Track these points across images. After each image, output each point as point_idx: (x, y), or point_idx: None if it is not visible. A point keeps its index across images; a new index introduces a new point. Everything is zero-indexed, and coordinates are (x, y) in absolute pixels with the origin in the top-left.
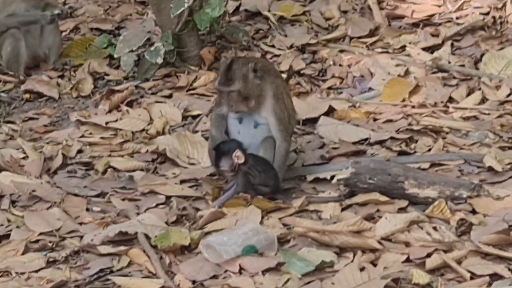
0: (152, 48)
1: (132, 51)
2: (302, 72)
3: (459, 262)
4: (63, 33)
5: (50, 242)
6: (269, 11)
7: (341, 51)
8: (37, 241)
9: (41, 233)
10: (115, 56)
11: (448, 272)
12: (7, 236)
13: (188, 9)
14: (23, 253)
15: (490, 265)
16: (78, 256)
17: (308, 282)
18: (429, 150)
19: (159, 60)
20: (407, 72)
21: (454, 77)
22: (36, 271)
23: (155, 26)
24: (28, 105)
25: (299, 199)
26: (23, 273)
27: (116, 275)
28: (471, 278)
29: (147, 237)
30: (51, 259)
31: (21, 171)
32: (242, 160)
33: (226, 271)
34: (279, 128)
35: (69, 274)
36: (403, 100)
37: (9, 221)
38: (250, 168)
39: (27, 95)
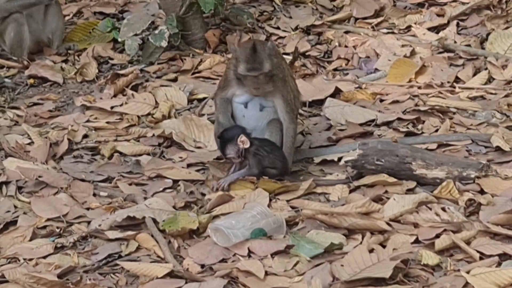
0: (156, 32)
1: (136, 34)
2: (307, 53)
3: (468, 242)
4: (66, 18)
5: (57, 228)
6: None
7: (346, 32)
8: (44, 227)
9: (48, 219)
10: (119, 40)
11: (457, 253)
12: (14, 222)
13: None
14: (31, 239)
15: (499, 245)
16: (86, 241)
17: (318, 265)
18: (436, 130)
19: (164, 44)
20: (413, 53)
21: (460, 57)
22: (44, 257)
23: (159, 9)
24: (32, 90)
25: (307, 181)
26: (31, 259)
27: (124, 260)
28: (481, 258)
29: (154, 221)
30: (59, 245)
31: (27, 156)
32: (247, 145)
33: (234, 254)
34: (287, 110)
35: (77, 259)
36: (409, 81)
37: (15, 207)
38: (257, 149)
39: (31, 80)
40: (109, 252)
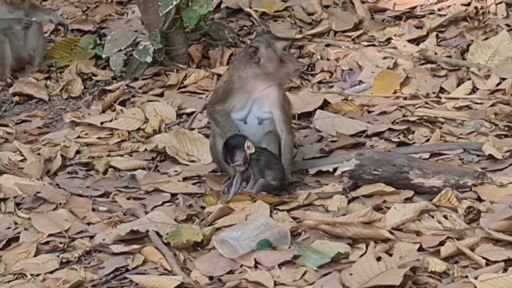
0: (140, 47)
1: (120, 50)
2: None
3: (472, 249)
4: (44, 35)
5: (60, 243)
6: (250, 7)
7: (327, 45)
8: (47, 242)
9: (50, 235)
10: (103, 56)
11: (462, 259)
12: (16, 238)
13: (175, 7)
14: (35, 255)
15: (503, 251)
16: (91, 256)
17: (326, 274)
18: (427, 140)
19: (148, 59)
20: (395, 64)
21: (443, 68)
22: (51, 272)
23: (141, 25)
24: (18, 108)
25: (304, 193)
26: (38, 275)
27: (133, 273)
28: (486, 264)
29: (158, 234)
30: (64, 260)
31: (22, 173)
32: (253, 150)
33: (241, 266)
34: (285, 121)
35: (84, 274)
36: (395, 92)
37: (16, 223)
38: (259, 156)
39: (17, 98)
40: (115, 266)
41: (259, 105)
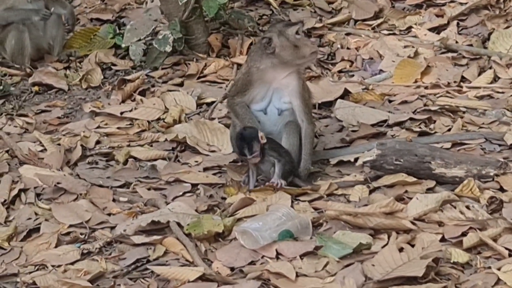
0: (160, 37)
1: (139, 40)
2: None
3: (494, 239)
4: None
5: (81, 234)
6: None
7: (348, 34)
8: (68, 233)
9: (71, 225)
10: (123, 45)
11: (484, 250)
12: (37, 229)
13: None
14: (56, 246)
15: None
16: (112, 247)
17: (348, 265)
18: (449, 130)
19: (168, 49)
20: (416, 53)
21: (464, 57)
22: (72, 263)
23: (161, 14)
24: (38, 98)
25: (325, 183)
26: (59, 266)
27: (154, 264)
28: (509, 255)
29: (179, 225)
30: (85, 251)
31: (42, 163)
32: (265, 140)
33: (263, 256)
34: (305, 111)
35: (106, 265)
36: (415, 81)
37: (36, 214)
38: (272, 145)
39: (36, 88)
40: (137, 257)
41: (279, 96)
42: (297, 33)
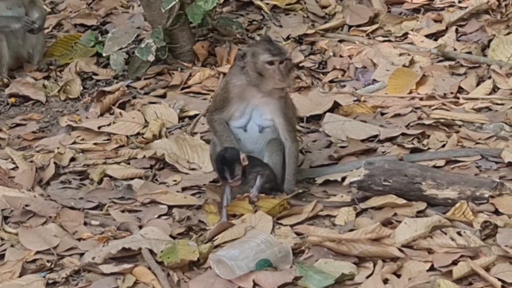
0: (142, 45)
1: (121, 48)
2: (301, 65)
3: (487, 269)
4: (46, 30)
5: (48, 261)
6: (261, 0)
7: (341, 41)
8: (34, 260)
9: (37, 252)
10: (104, 54)
11: (476, 281)
12: (1, 256)
13: (179, 3)
14: (20, 275)
15: None
16: (79, 276)
17: None
18: (443, 146)
19: (151, 58)
20: (412, 62)
21: (462, 65)
22: None
23: (144, 21)
24: (14, 110)
25: (311, 204)
26: None
27: None
28: (502, 287)
29: (152, 252)
30: (50, 281)
31: (12, 183)
32: (246, 162)
33: (239, 287)
34: (288, 129)
35: None
36: (410, 92)
37: (2, 239)
38: (253, 163)
39: (13, 99)
40: None
41: (260, 113)
42: (270, 63)
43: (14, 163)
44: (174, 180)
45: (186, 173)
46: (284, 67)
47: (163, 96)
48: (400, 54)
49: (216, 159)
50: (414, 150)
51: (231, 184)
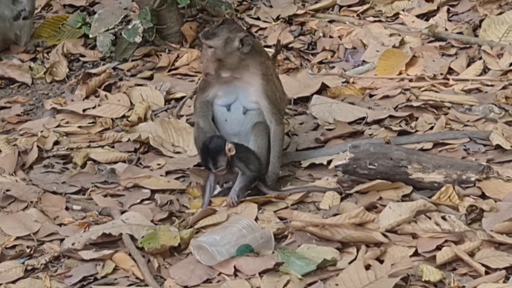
0: (129, 26)
1: (108, 30)
2: (290, 46)
3: (471, 254)
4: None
5: (27, 247)
6: None
7: (331, 21)
8: (13, 246)
9: (17, 238)
10: (90, 36)
11: (460, 266)
12: None
13: None
14: None
15: (505, 256)
16: (59, 262)
17: (310, 283)
18: (431, 128)
19: (138, 39)
20: (402, 42)
21: (453, 46)
22: (14, 282)
23: (131, 2)
24: None
25: (296, 193)
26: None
27: (101, 284)
28: (486, 273)
29: (132, 238)
30: (29, 267)
31: None
32: (234, 151)
33: (220, 274)
34: (273, 111)
35: (50, 283)
36: (400, 73)
37: None
38: (240, 153)
39: None
40: (83, 274)
41: (245, 94)
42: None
43: None
44: (158, 164)
45: (171, 157)
46: (211, 54)
47: (150, 78)
48: (391, 35)
49: (201, 149)
50: (401, 133)
51: (215, 172)
